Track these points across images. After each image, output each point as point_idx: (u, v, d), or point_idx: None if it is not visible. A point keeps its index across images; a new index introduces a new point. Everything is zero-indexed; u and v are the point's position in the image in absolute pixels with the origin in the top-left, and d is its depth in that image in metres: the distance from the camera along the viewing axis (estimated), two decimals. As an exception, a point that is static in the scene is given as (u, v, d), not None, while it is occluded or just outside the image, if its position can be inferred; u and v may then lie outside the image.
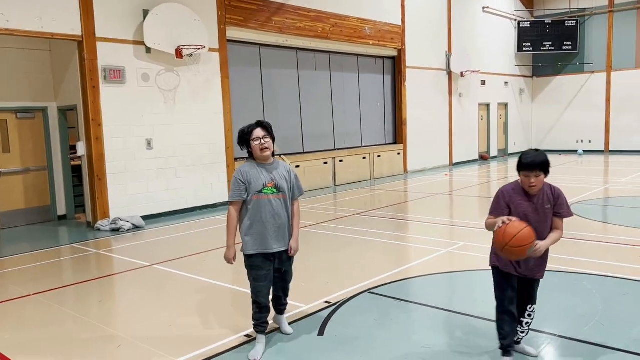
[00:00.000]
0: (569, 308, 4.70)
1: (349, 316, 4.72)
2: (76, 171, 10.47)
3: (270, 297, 4.16)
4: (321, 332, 4.36)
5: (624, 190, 11.62)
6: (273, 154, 4.00)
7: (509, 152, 21.75)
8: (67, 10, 8.75)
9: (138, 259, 7.03)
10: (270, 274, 4.00)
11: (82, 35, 8.97)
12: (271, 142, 3.91)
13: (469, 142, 19.30)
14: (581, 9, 21.12)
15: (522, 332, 3.71)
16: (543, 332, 4.15)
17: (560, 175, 14.54)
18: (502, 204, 3.47)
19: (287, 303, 4.33)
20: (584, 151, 21.14)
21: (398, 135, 16.49)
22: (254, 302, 4.01)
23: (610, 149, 21.03)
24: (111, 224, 9.10)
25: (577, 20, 21.03)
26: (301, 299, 5.04)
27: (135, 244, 8.11)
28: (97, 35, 9.12)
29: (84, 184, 9.71)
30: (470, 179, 14.80)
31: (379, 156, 15.54)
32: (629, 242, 6.95)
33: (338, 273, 6.14)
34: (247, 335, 4.32)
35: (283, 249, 3.99)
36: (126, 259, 7.15)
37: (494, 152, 20.88)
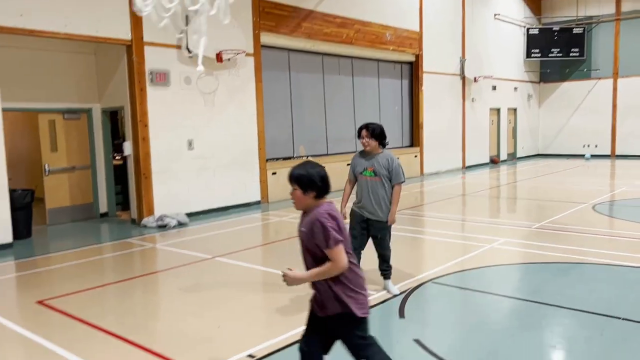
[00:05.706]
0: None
1: (422, 302, 5.14)
2: (116, 170, 10.85)
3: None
4: (402, 315, 4.78)
5: (640, 192, 12.08)
6: (383, 145, 5.29)
7: (518, 155, 22.25)
8: (119, 17, 9.14)
9: (197, 252, 7.40)
10: (362, 236, 5.24)
11: (132, 39, 9.37)
12: (372, 140, 5.22)
13: (481, 146, 19.79)
14: (588, 16, 21.69)
15: None
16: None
17: (570, 178, 15.01)
18: None
19: (387, 269, 5.36)
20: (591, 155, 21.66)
21: (415, 138, 16.95)
22: None
23: (616, 153, 21.58)
24: (157, 220, 9.47)
25: (584, 28, 21.58)
26: (375, 286, 5.45)
27: (186, 239, 8.48)
28: (144, 40, 9.52)
29: (129, 182, 10.07)
30: (488, 181, 15.26)
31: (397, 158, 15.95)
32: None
33: (400, 265, 6.53)
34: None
35: (375, 218, 5.16)
36: (186, 252, 7.50)
37: (503, 155, 21.36)
